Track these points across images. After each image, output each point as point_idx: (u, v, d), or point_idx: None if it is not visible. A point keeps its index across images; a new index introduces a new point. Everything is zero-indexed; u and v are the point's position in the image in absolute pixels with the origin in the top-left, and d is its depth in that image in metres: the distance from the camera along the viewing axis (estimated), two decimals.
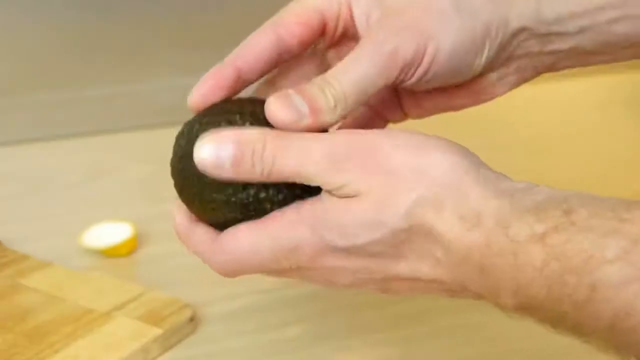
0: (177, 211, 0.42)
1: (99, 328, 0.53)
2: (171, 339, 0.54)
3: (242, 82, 0.43)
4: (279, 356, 0.53)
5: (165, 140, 0.90)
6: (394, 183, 0.36)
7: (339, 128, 0.43)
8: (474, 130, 0.92)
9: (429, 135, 0.37)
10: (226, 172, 0.38)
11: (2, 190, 0.77)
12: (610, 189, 0.75)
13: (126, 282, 0.59)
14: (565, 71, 1.11)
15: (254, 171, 0.37)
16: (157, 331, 0.53)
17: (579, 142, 0.89)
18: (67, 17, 0.86)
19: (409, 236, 0.36)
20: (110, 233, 0.65)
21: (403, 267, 0.37)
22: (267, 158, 0.37)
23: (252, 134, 0.38)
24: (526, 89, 1.11)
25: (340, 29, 0.45)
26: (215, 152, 0.37)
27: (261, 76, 0.44)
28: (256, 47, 0.43)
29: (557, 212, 0.34)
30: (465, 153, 0.38)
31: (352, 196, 0.36)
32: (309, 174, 0.37)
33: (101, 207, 0.73)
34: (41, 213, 0.73)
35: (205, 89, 0.42)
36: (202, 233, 0.41)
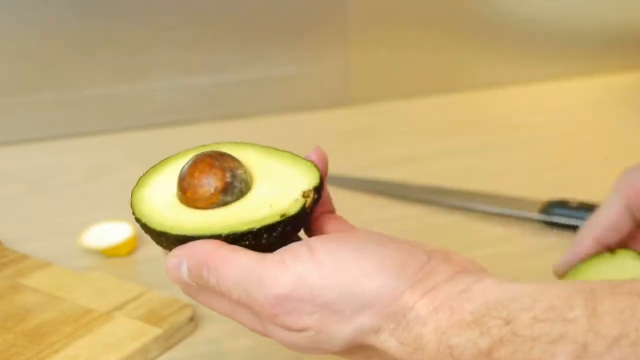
0: None
1: (99, 328, 0.53)
2: (171, 339, 0.53)
3: (600, 247, 0.48)
4: (278, 356, 0.53)
5: (166, 140, 0.90)
6: (330, 318, 0.35)
7: None
8: (474, 131, 0.92)
9: (360, 251, 0.35)
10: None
11: (2, 190, 0.77)
12: (607, 188, 0.76)
13: (126, 282, 0.58)
14: (563, 71, 1.12)
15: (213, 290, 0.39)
16: (157, 331, 0.53)
17: (577, 142, 0.89)
18: (67, 17, 0.86)
19: (356, 351, 0.37)
20: (110, 233, 0.65)
21: (360, 358, 0.38)
22: (213, 285, 0.38)
23: (195, 260, 0.38)
24: (525, 90, 1.12)
25: None
26: (179, 276, 0.39)
27: (618, 240, 0.49)
28: (609, 215, 0.49)
29: (498, 321, 0.33)
30: (401, 265, 0.35)
31: (295, 330, 0.36)
32: (253, 308, 0.37)
33: (101, 207, 0.73)
34: (41, 213, 0.73)
35: (570, 258, 0.49)
36: None
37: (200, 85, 0.93)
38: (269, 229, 0.38)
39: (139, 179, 0.42)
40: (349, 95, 0.99)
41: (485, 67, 1.04)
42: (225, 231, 0.37)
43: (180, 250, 0.38)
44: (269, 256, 0.36)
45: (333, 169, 0.80)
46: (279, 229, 0.38)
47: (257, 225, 0.37)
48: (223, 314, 0.40)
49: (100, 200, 0.75)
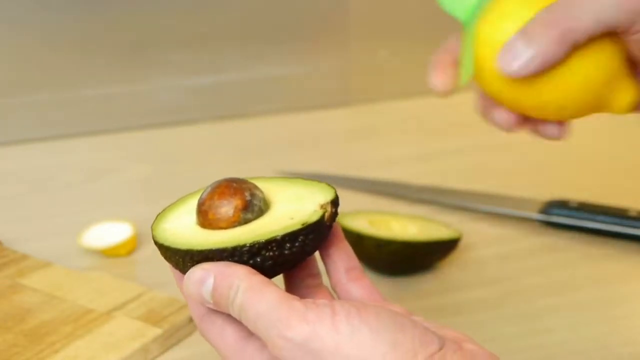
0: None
1: (99, 328, 0.53)
2: (171, 339, 0.53)
3: None
4: None
5: (166, 140, 0.90)
6: None
7: None
8: (474, 131, 0.92)
9: (377, 333, 0.36)
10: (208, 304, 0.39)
11: (2, 190, 0.77)
12: (607, 188, 0.75)
13: (126, 282, 0.58)
14: None
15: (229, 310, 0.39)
16: (157, 331, 0.52)
17: (577, 142, 0.89)
18: (66, 18, 0.86)
19: None
20: (110, 233, 0.65)
21: None
22: (235, 308, 0.38)
23: (226, 279, 0.38)
24: None
25: None
26: (198, 291, 0.39)
27: None
28: None
29: None
30: (412, 352, 0.36)
31: None
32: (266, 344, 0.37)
33: (101, 207, 0.73)
34: (41, 213, 0.72)
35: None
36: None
37: (200, 85, 0.93)
38: (291, 237, 0.39)
39: (157, 216, 0.43)
40: (349, 96, 0.99)
41: None
42: (249, 241, 0.38)
43: (211, 266, 0.39)
44: (295, 302, 0.37)
45: (333, 169, 0.80)
46: (301, 237, 0.39)
47: (280, 233, 0.39)
48: (220, 347, 0.41)
49: (100, 200, 0.75)
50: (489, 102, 0.47)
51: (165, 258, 0.41)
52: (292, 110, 0.96)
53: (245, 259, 0.38)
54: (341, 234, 0.44)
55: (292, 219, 0.40)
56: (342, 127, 0.94)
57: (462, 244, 0.64)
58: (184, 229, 0.41)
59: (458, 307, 0.57)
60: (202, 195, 0.41)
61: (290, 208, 0.41)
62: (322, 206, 0.40)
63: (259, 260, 0.39)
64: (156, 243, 0.41)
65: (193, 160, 0.83)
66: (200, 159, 0.84)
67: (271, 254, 0.39)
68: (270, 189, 0.43)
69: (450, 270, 0.62)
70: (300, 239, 0.39)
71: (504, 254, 0.64)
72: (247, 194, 0.41)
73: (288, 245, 0.39)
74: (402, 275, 0.61)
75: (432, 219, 0.64)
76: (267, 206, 0.41)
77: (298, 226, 0.39)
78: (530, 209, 0.68)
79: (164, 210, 0.43)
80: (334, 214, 0.41)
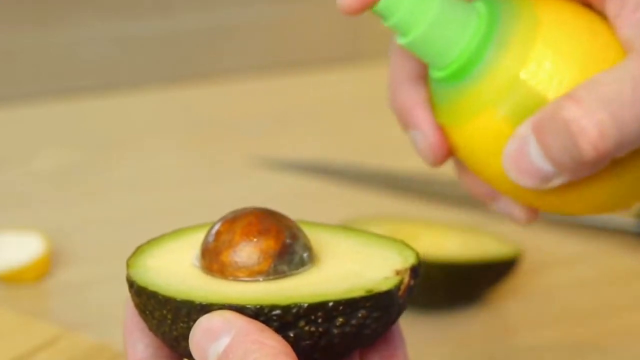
0: None
1: None
2: None
3: None
4: None
5: (92, 113, 0.89)
6: None
7: None
8: None
9: None
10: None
11: None
12: None
13: (34, 320, 0.58)
14: None
15: None
16: None
17: None
18: None
19: None
20: (11, 249, 0.64)
21: None
22: None
23: (249, 344, 0.37)
24: None
25: None
26: (205, 346, 0.38)
27: None
28: None
29: None
30: None
31: None
32: None
33: None
34: None
35: None
36: None
37: (140, 34, 0.93)
38: (347, 308, 0.38)
39: (137, 249, 0.42)
40: (357, 48, 0.99)
41: None
42: (283, 302, 0.37)
43: (236, 318, 0.37)
44: None
45: (335, 154, 0.80)
46: (362, 311, 0.38)
47: (332, 299, 0.38)
48: None
49: None
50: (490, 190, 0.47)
51: (142, 310, 0.40)
52: (274, 68, 0.96)
53: (272, 329, 0.37)
54: (402, 336, 0.42)
55: (349, 282, 0.39)
56: (348, 93, 0.94)
57: (523, 266, 0.64)
58: (180, 271, 0.40)
59: (517, 356, 0.59)
60: (214, 227, 0.40)
61: (348, 268, 0.40)
62: (397, 272, 0.39)
63: (291, 335, 0.37)
64: (132, 285, 0.40)
65: (132, 143, 0.83)
66: (142, 140, 0.84)
67: (313, 328, 0.37)
68: (320, 239, 0.42)
69: (506, 303, 0.63)
70: (360, 314, 0.38)
71: (584, 280, 0.65)
72: (286, 234, 0.40)
73: (341, 319, 0.38)
74: (437, 309, 0.61)
75: (479, 229, 0.64)
76: (313, 260, 0.41)
77: (360, 293, 0.38)
78: (624, 214, 0.68)
79: (148, 242, 0.42)
80: (411, 289, 0.39)
